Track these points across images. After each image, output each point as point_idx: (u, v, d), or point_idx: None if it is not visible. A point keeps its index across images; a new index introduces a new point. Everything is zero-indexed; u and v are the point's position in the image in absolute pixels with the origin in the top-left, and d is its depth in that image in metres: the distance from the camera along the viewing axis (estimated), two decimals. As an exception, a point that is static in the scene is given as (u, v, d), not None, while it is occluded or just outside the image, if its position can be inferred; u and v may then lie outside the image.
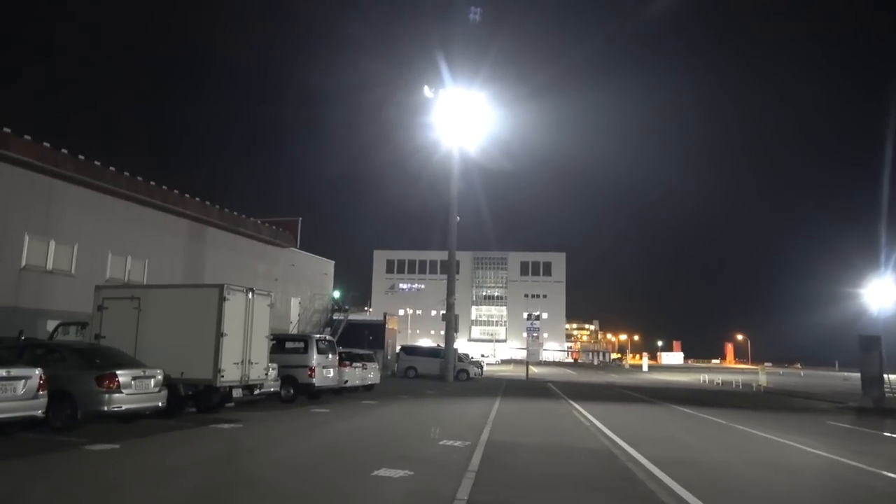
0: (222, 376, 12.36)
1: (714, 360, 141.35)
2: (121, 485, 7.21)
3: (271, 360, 15.78)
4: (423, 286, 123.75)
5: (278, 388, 16.12)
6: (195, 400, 12.99)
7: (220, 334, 12.35)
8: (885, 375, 27.11)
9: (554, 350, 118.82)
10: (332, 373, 17.86)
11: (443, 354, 33.36)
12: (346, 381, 19.56)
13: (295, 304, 30.37)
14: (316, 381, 16.98)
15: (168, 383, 11.80)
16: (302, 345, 17.37)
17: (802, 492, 8.71)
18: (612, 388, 33.98)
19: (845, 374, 73.07)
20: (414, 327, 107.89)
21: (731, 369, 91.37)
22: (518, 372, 49.60)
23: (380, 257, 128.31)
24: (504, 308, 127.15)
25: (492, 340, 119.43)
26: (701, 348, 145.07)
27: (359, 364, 20.74)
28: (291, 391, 16.97)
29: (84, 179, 18.83)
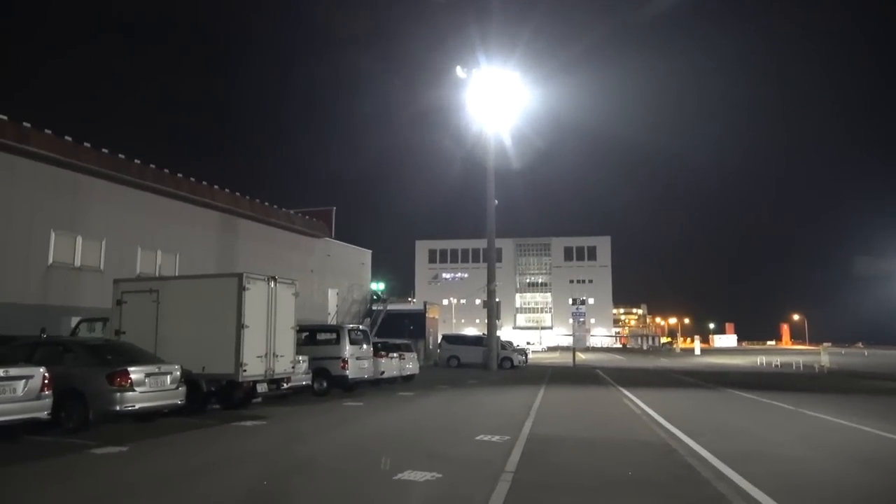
0: (245, 371, 11.65)
1: (770, 342, 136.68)
2: (107, 495, 6.47)
3: (302, 353, 15.13)
4: (466, 275, 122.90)
5: (310, 382, 15.42)
6: (218, 396, 12.33)
7: (240, 326, 11.63)
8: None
9: (602, 336, 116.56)
10: (366, 364, 17.07)
11: (485, 343, 32.37)
12: (383, 373, 18.77)
13: (332, 294, 29.83)
14: (349, 373, 16.22)
15: (189, 379, 11.16)
16: (334, 336, 16.63)
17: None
18: (663, 373, 32.43)
19: (915, 352, 69.24)
20: (459, 316, 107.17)
21: (788, 350, 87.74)
22: (565, 359, 48.22)
23: (422, 247, 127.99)
24: (549, 295, 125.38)
25: (537, 328, 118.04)
26: (755, 330, 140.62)
27: (395, 354, 19.94)
28: (324, 384, 16.27)
29: (109, 173, 18.46)
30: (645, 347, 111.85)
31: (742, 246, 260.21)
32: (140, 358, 10.64)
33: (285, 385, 13.23)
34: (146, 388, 10.07)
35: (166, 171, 20.35)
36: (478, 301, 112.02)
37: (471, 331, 75.23)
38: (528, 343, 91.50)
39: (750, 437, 10.80)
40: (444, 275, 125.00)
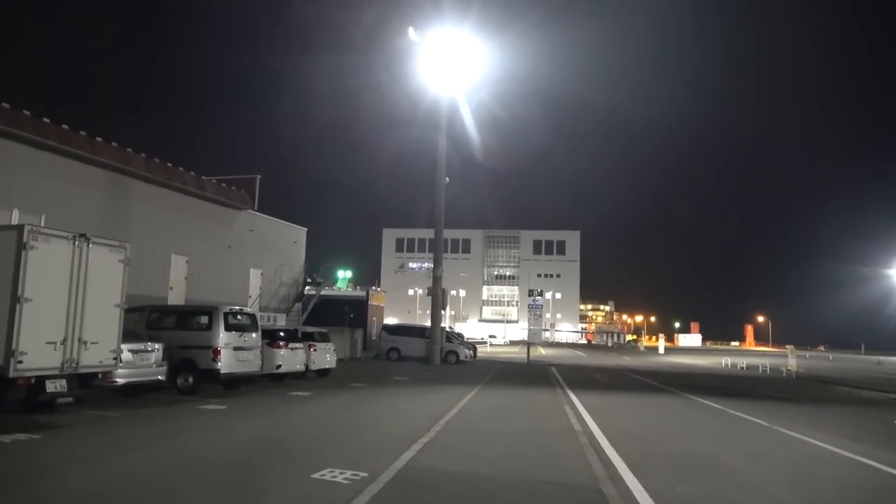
0: (20, 362, 8.23)
1: (734, 343, 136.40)
2: None
3: (165, 339, 11.93)
4: (432, 265, 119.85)
5: (164, 377, 12.02)
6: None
7: (16, 299, 8.20)
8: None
9: (567, 331, 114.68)
10: (251, 356, 13.69)
11: (428, 334, 29.19)
12: (280, 367, 15.45)
13: (255, 275, 26.33)
14: (222, 365, 12.83)
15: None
16: (205, 319, 13.20)
17: None
18: (623, 374, 29.64)
19: (879, 358, 68.17)
20: (424, 307, 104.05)
21: (752, 352, 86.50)
22: (523, 354, 45.37)
23: (389, 236, 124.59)
24: (516, 288, 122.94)
25: (503, 321, 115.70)
26: (720, 330, 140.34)
27: (299, 345, 16.60)
28: (190, 380, 12.87)
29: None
30: (610, 344, 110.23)
31: (711, 248, 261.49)
32: None
33: (118, 381, 9.86)
34: None
35: (27, 113, 16.66)
36: (448, 292, 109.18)
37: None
38: (491, 336, 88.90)
39: (719, 477, 7.74)
40: (410, 264, 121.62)
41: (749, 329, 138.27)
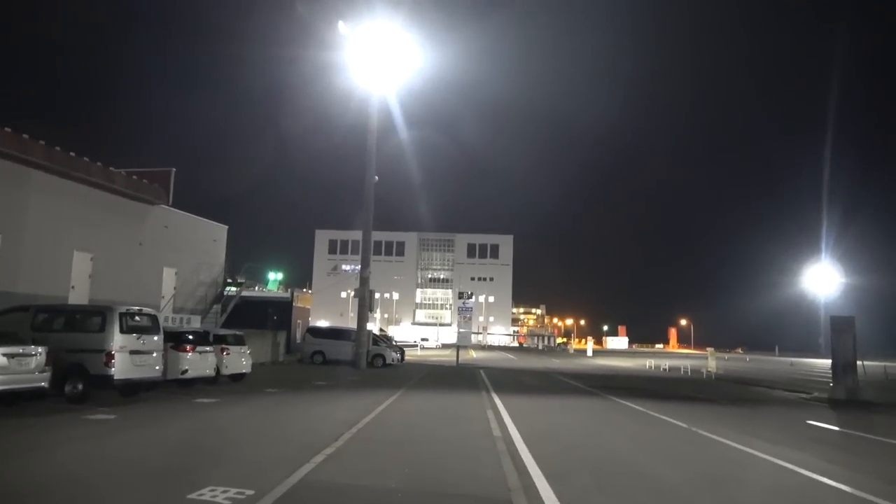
0: None
1: (658, 345, 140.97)
2: None
3: (53, 342, 10.97)
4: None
5: (47, 383, 10.83)
6: None
7: None
8: (860, 362, 23.69)
9: (500, 334, 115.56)
10: (151, 360, 12.59)
11: (354, 337, 28.35)
12: (186, 372, 14.38)
13: (169, 274, 24.77)
14: (116, 371, 11.71)
15: None
16: (97, 320, 12.03)
17: None
18: (551, 376, 29.69)
19: (791, 359, 71.74)
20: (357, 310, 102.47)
21: (675, 354, 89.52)
22: (454, 357, 45.04)
23: (322, 237, 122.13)
24: (450, 291, 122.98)
25: (437, 324, 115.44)
26: (645, 333, 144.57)
27: (208, 348, 15.54)
28: (79, 387, 11.69)
29: None
30: (541, 347, 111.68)
31: (638, 253, 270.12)
32: None
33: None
34: None
35: None
36: (377, 295, 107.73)
37: (369, 326, 70.88)
38: (423, 339, 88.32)
39: (637, 483, 7.44)
40: (343, 266, 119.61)
41: (673, 332, 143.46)
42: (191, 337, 15.22)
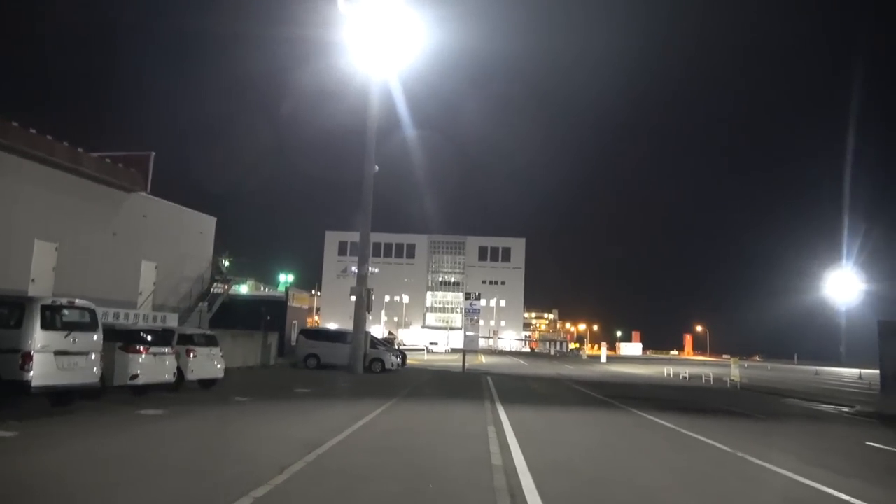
0: None
1: (673, 351, 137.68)
2: None
3: None
4: (376, 270, 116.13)
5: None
6: None
7: None
8: None
9: (511, 339, 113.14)
10: (85, 362, 10.48)
11: (350, 340, 26.21)
12: (137, 376, 12.29)
13: (149, 268, 22.75)
14: (35, 375, 9.61)
15: None
16: (13, 313, 9.93)
17: None
18: (564, 384, 27.37)
19: (816, 368, 68.61)
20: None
21: (692, 361, 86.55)
22: (461, 361, 42.78)
23: (332, 239, 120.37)
24: (461, 294, 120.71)
25: (447, 328, 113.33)
26: (660, 339, 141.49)
27: (167, 349, 13.43)
28: (-11, 394, 9.60)
29: None
30: (553, 352, 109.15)
31: (653, 259, 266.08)
32: None
33: None
34: None
35: None
36: (387, 297, 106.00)
37: (375, 330, 68.78)
38: (432, 343, 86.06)
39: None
40: (353, 268, 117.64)
41: (688, 338, 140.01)
42: (147, 336, 13.12)
